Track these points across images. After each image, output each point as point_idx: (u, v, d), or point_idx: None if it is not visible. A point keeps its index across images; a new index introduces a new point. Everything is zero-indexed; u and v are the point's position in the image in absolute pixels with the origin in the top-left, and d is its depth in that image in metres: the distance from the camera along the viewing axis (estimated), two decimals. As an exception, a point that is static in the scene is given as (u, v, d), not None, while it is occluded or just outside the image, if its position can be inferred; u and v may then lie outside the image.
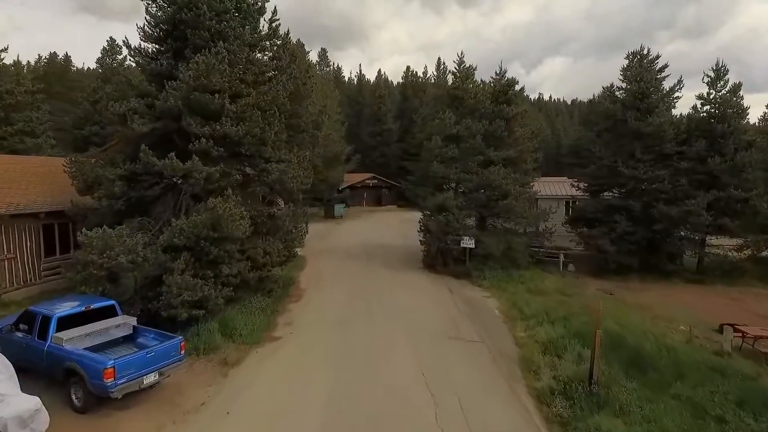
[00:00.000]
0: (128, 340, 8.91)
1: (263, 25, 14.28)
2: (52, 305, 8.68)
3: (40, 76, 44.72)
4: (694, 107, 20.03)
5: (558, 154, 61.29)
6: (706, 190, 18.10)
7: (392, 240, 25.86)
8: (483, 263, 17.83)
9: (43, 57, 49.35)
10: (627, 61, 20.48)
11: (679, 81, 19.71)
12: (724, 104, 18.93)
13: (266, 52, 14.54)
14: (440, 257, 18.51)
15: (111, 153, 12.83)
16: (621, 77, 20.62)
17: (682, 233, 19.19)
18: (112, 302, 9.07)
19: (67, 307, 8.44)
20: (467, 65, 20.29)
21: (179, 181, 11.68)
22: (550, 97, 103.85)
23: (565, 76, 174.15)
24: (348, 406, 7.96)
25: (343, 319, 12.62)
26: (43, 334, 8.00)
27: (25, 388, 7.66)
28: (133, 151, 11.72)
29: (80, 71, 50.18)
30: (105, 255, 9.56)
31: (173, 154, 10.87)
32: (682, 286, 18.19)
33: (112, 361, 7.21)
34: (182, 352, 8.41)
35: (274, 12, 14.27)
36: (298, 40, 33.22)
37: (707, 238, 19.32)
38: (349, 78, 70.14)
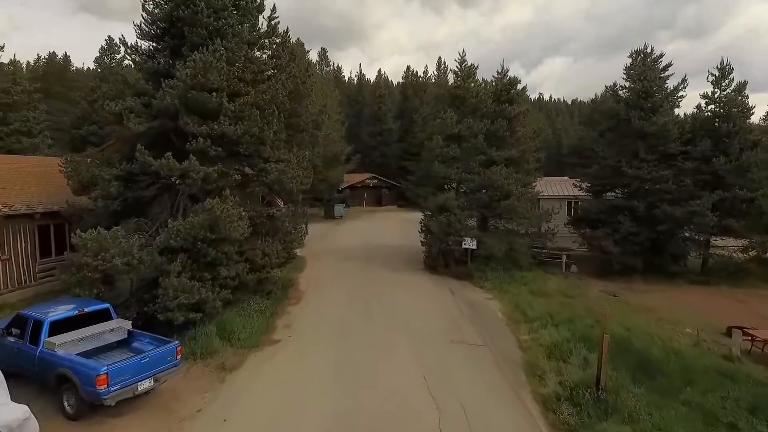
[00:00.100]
0: (123, 344, 8.68)
1: (262, 23, 14.07)
2: (44, 309, 8.47)
3: (39, 76, 44.59)
4: (698, 106, 19.86)
5: (559, 154, 61.09)
6: (710, 191, 17.87)
7: (393, 240, 25.64)
8: (485, 264, 17.62)
9: (42, 57, 49.21)
10: (630, 60, 20.26)
11: (683, 80, 19.55)
12: (729, 103, 18.69)
13: (265, 51, 14.32)
14: (441, 258, 18.28)
15: (108, 153, 12.62)
16: (624, 76, 20.42)
17: (686, 234, 18.96)
18: (107, 306, 8.85)
19: (60, 311, 8.23)
20: (469, 64, 20.11)
21: (177, 182, 11.47)
22: (551, 97, 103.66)
23: (565, 76, 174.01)
24: (348, 412, 7.74)
25: (344, 321, 12.40)
26: (34, 339, 7.78)
27: (16, 395, 7.47)
28: (130, 150, 11.50)
29: (80, 71, 49.99)
30: (99, 257, 9.32)
31: (170, 153, 10.65)
32: (686, 287, 17.96)
33: (105, 368, 6.98)
34: (178, 357, 8.18)
35: (273, 10, 14.06)
36: (298, 39, 33.01)
37: (711, 239, 19.08)
38: (349, 78, 70.02)
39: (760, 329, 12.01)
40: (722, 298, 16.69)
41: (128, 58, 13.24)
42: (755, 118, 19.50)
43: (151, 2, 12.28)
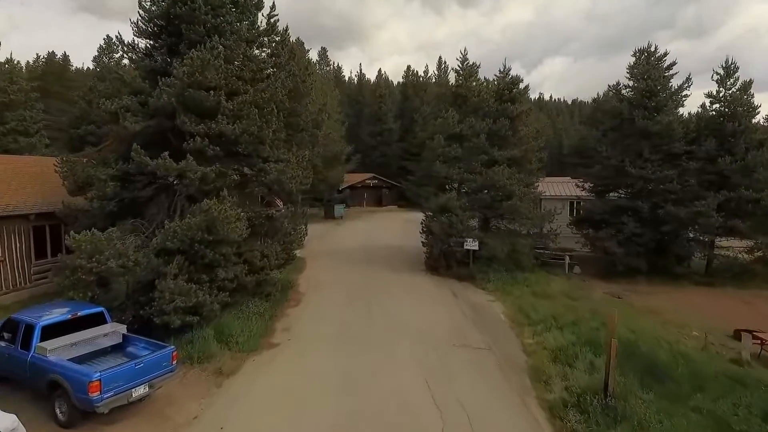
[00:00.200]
0: (117, 349, 8.47)
1: (261, 21, 13.84)
2: (37, 312, 8.24)
3: (39, 76, 44.41)
4: (703, 105, 19.59)
5: (560, 154, 60.85)
6: (716, 191, 17.62)
7: (393, 241, 25.41)
8: (487, 266, 17.39)
9: (42, 56, 48.95)
10: (634, 59, 20.01)
11: (688, 78, 19.28)
12: (734, 102, 18.44)
13: (264, 49, 14.10)
14: (443, 259, 18.05)
15: (105, 152, 12.40)
16: (628, 75, 20.16)
17: (690, 235, 18.72)
18: (101, 309, 8.63)
19: (52, 315, 8.00)
20: (471, 63, 19.87)
21: (174, 182, 11.26)
22: (551, 96, 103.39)
23: (565, 76, 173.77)
24: (349, 420, 7.52)
25: (344, 324, 12.18)
26: (26, 344, 7.56)
27: (8, 401, 7.27)
28: (127, 150, 11.26)
29: (79, 71, 49.71)
30: (94, 259, 9.10)
31: (166, 153, 10.43)
32: (691, 288, 17.73)
33: (98, 374, 6.76)
34: (174, 362, 7.96)
35: (273, 7, 13.82)
36: (298, 38, 32.77)
37: (716, 240, 18.84)
38: (349, 77, 69.78)
39: (768, 332, 11.78)
40: (728, 299, 16.46)
41: (125, 56, 12.99)
42: (758, 118, 19.13)
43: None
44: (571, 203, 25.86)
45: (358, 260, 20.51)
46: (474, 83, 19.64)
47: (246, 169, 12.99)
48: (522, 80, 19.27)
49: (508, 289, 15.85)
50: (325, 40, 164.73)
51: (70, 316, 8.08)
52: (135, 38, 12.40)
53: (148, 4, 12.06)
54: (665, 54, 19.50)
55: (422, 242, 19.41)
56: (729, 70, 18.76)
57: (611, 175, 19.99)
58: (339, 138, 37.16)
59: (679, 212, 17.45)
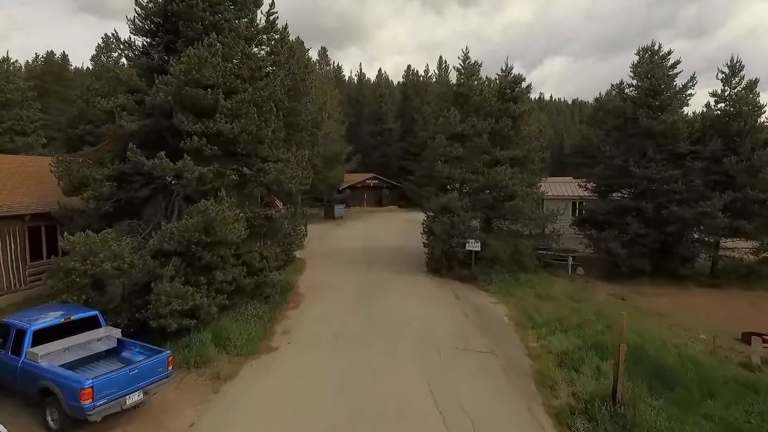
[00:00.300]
0: (112, 353, 8.24)
1: (260, 19, 13.63)
2: (29, 316, 8.02)
3: (37, 75, 44.22)
4: (707, 105, 19.36)
5: (560, 153, 60.63)
6: (721, 191, 17.38)
7: (394, 242, 25.19)
8: (489, 267, 17.17)
9: (41, 56, 48.73)
10: (637, 57, 19.78)
11: (692, 77, 19.04)
12: (740, 101, 18.20)
13: (263, 47, 13.88)
14: (445, 260, 17.82)
15: (102, 152, 12.19)
16: (631, 74, 19.92)
17: (695, 236, 18.47)
18: (95, 313, 8.41)
19: (45, 319, 7.78)
20: (472, 61, 19.63)
21: (172, 182, 11.03)
22: (551, 96, 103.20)
23: (565, 76, 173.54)
24: (350, 425, 7.29)
25: (344, 326, 11.95)
26: (17, 349, 7.35)
27: (1, 407, 7.06)
28: (123, 149, 11.05)
29: (79, 71, 49.50)
30: (88, 261, 8.88)
31: (163, 153, 10.21)
32: (696, 290, 17.49)
33: (90, 381, 6.53)
34: (170, 367, 7.73)
35: (272, 5, 13.60)
36: (297, 37, 32.52)
37: (721, 241, 18.59)
38: (349, 77, 69.52)
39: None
40: (734, 301, 16.22)
41: (122, 54, 12.77)
42: (764, 117, 18.84)
43: (144, -4, 11.84)
44: (573, 203, 25.63)
45: (358, 261, 20.28)
46: (476, 82, 19.41)
47: (245, 169, 12.77)
48: (524, 79, 19.06)
49: (510, 290, 15.62)
50: (325, 40, 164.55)
51: (62, 320, 7.87)
52: (132, 36, 12.19)
53: (145, 1, 11.85)
54: (669, 52, 19.29)
55: (423, 243, 19.18)
56: (734, 68, 18.51)
57: (614, 175, 19.75)
58: (339, 138, 36.93)
59: (684, 213, 17.21)
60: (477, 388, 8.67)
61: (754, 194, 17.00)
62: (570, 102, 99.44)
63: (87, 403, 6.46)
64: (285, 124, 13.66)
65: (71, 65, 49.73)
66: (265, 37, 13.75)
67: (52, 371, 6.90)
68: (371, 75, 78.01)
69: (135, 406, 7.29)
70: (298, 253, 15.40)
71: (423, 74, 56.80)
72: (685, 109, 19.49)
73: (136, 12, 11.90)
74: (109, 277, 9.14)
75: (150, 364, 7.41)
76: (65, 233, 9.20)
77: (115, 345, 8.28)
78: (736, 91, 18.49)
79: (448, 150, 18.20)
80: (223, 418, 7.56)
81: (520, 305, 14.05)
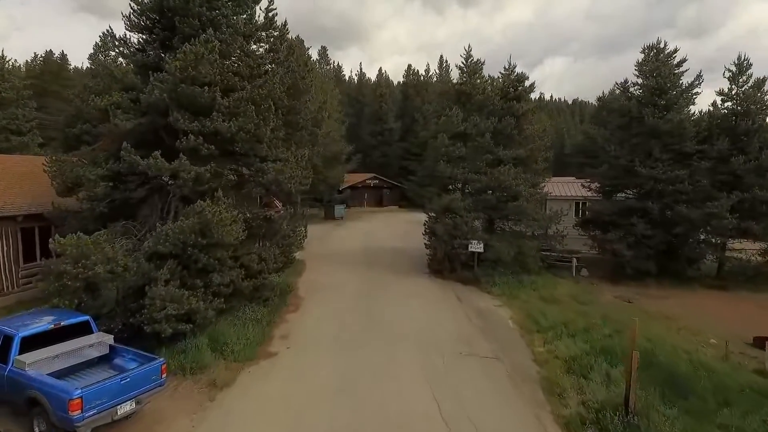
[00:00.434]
0: (104, 360, 7.93)
1: (259, 15, 13.32)
2: (18, 322, 7.71)
3: (37, 75, 43.92)
4: (714, 103, 19.02)
5: (562, 153, 60.28)
6: (728, 191, 17.06)
7: (395, 242, 24.87)
8: (492, 268, 16.87)
9: (39, 55, 48.43)
10: (643, 56, 19.45)
11: (699, 75, 18.73)
12: (747, 100, 17.88)
13: (262, 44, 13.56)
14: (447, 262, 17.50)
15: (97, 151, 11.88)
16: (636, 72, 19.60)
17: (702, 237, 18.15)
18: (87, 318, 8.10)
19: (34, 325, 7.47)
20: (475, 59, 19.32)
21: (170, 182, 10.73)
22: (551, 96, 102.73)
23: (565, 76, 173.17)
24: (351, 439, 6.99)
25: (345, 330, 11.65)
26: (4, 357, 7.02)
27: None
28: (118, 149, 10.72)
29: (79, 71, 49.18)
30: (80, 264, 8.58)
31: (158, 152, 9.90)
32: (703, 292, 17.18)
33: (79, 391, 6.22)
34: (164, 375, 7.42)
35: (271, 1, 13.28)
36: (297, 36, 32.16)
37: (728, 242, 18.26)
38: (349, 77, 69.17)
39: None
40: (742, 303, 15.91)
41: (116, 51, 12.45)
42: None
43: (140, -9, 11.53)
44: (576, 204, 25.33)
45: (359, 262, 19.98)
46: (478, 80, 19.11)
47: (243, 169, 12.47)
48: (527, 77, 18.75)
49: (514, 293, 15.33)
50: (325, 40, 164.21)
51: (52, 325, 7.55)
52: (127, 32, 11.89)
53: (141, -4, 11.54)
54: (675, 50, 18.97)
55: (425, 244, 18.88)
56: (741, 67, 18.20)
57: (619, 175, 19.44)
58: (339, 137, 36.61)
59: (691, 213, 16.90)
60: (482, 396, 8.37)
61: (763, 194, 16.69)
62: (570, 102, 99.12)
63: (75, 414, 6.15)
64: (284, 122, 13.35)
65: (70, 65, 49.46)
66: (263, 34, 13.43)
67: (40, 380, 6.59)
68: (371, 75, 77.70)
69: (127, 417, 6.98)
70: (297, 255, 15.09)
71: (424, 74, 56.50)
72: (691, 108, 19.16)
73: (132, 8, 11.60)
74: (102, 280, 8.84)
75: (143, 373, 7.10)
76: (56, 235, 8.89)
77: (108, 351, 7.97)
78: (743, 89, 18.16)
79: (450, 149, 17.90)
80: (219, 428, 7.26)
81: (525, 308, 13.75)
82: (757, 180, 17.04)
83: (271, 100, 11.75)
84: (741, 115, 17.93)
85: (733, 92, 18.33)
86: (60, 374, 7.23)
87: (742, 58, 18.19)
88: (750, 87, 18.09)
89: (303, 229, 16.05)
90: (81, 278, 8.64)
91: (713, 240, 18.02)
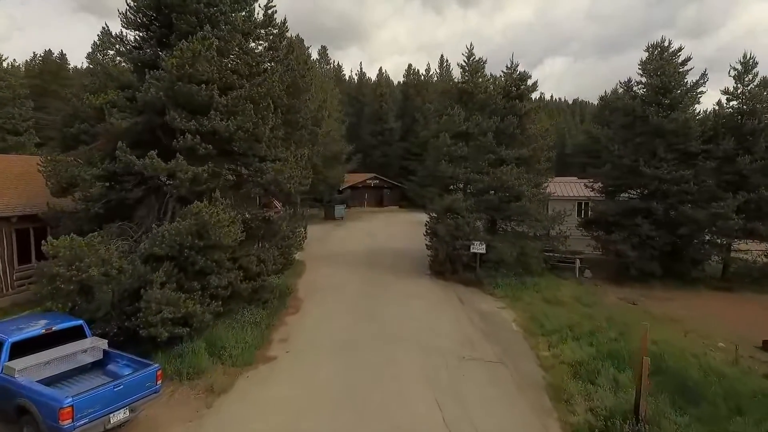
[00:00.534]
0: (98, 366, 7.71)
1: (258, 13, 13.09)
2: (9, 326, 7.48)
3: (36, 75, 43.70)
4: (719, 102, 18.78)
5: (563, 153, 60.00)
6: (734, 191, 16.81)
7: (396, 243, 24.64)
8: (495, 270, 16.65)
9: (39, 55, 48.19)
10: (646, 54, 19.21)
11: (704, 74, 18.46)
12: (753, 99, 17.64)
13: (261, 42, 13.33)
14: (449, 263, 17.27)
15: (94, 151, 11.66)
16: (640, 71, 19.35)
17: (707, 237, 17.90)
18: (80, 322, 7.87)
19: (25, 330, 7.24)
20: (477, 58, 19.08)
21: (167, 182, 10.50)
22: (551, 96, 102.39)
23: (565, 76, 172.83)
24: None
25: (345, 333, 11.42)
26: (-7, 363, 6.80)
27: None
28: (114, 148, 10.52)
29: (78, 70, 48.91)
30: (74, 267, 8.35)
31: (154, 152, 9.68)
32: (708, 294, 16.94)
33: (70, 399, 5.99)
34: (159, 382, 7.19)
35: (270, -2, 13.04)
36: (297, 35, 31.92)
37: (733, 243, 18.01)
38: (349, 76, 68.89)
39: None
40: (749, 305, 15.67)
41: (114, 49, 12.21)
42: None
43: (136, -13, 11.31)
44: (579, 204, 25.08)
45: (359, 263, 19.74)
46: (480, 79, 18.87)
47: (242, 169, 12.24)
48: (530, 76, 18.52)
49: (517, 294, 15.10)
50: (325, 41, 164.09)
51: (44, 330, 7.33)
52: (123, 30, 11.67)
53: (137, -8, 11.32)
54: (680, 49, 18.71)
55: (426, 245, 18.65)
56: (747, 65, 17.94)
57: (623, 175, 19.19)
58: (339, 137, 36.34)
59: (696, 214, 16.65)
60: (487, 402, 8.14)
61: (769, 195, 16.43)
62: (570, 102, 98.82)
63: (66, 423, 5.93)
64: (283, 122, 13.12)
65: (69, 64, 49.18)
66: (263, 31, 13.19)
67: (29, 387, 6.36)
68: (372, 74, 77.33)
69: (120, 425, 6.75)
70: (297, 256, 14.86)
71: (424, 73, 56.21)
72: (696, 107, 18.90)
73: (128, 4, 11.38)
74: (97, 283, 8.60)
75: (137, 379, 6.88)
76: (48, 237, 8.66)
77: (101, 357, 7.75)
78: (749, 88, 17.91)
79: (452, 149, 17.67)
80: (216, 437, 7.03)
81: (528, 310, 13.53)
82: (763, 180, 16.79)
83: (270, 98, 11.53)
84: (747, 114, 17.69)
85: (739, 91, 18.09)
86: (51, 381, 7.03)
87: (748, 57, 17.93)
88: (756, 86, 17.85)
89: (303, 229, 15.83)
90: (75, 281, 8.41)
91: (718, 241, 17.78)
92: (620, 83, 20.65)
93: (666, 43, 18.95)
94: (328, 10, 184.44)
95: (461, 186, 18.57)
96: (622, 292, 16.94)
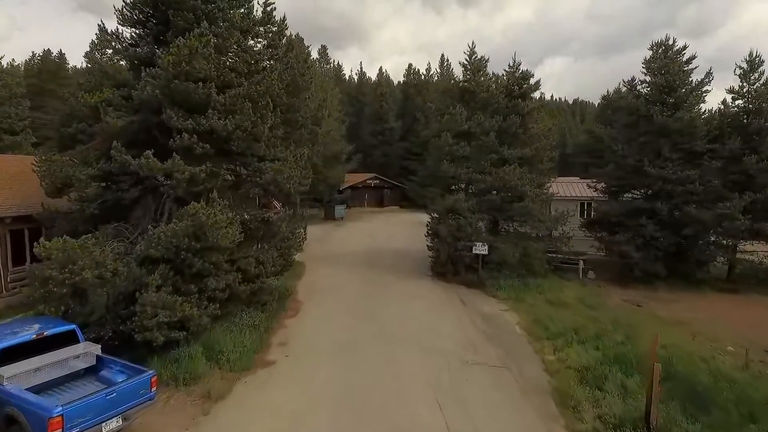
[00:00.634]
0: (91, 372, 7.49)
1: (257, 10, 12.87)
2: (0, 332, 7.25)
3: (35, 74, 43.51)
4: (724, 101, 18.52)
5: (564, 153, 59.75)
6: (740, 192, 16.57)
7: (397, 244, 24.40)
8: (497, 271, 16.41)
9: (37, 54, 47.99)
10: (650, 53, 18.96)
11: (709, 73, 18.20)
12: (759, 98, 17.38)
13: (259, 39, 13.10)
14: (450, 264, 17.04)
15: (90, 151, 11.43)
16: (643, 70, 19.10)
17: (712, 238, 17.66)
18: (73, 327, 7.65)
19: (15, 335, 7.01)
20: (479, 57, 18.85)
21: (165, 182, 10.27)
22: (552, 96, 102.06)
23: (565, 76, 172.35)
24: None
25: (346, 336, 11.19)
26: (-19, 370, 6.57)
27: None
28: (110, 148, 10.29)
29: (77, 70, 48.68)
30: (67, 269, 8.11)
31: (150, 152, 9.45)
32: (713, 295, 16.69)
33: (60, 408, 5.76)
34: (153, 389, 6.97)
35: (269, -6, 12.81)
36: (297, 34, 31.68)
37: (739, 244, 17.76)
38: (349, 76, 68.66)
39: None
40: (755, 307, 15.44)
41: (110, 46, 11.98)
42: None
43: (132, -17, 11.08)
44: (581, 204, 24.85)
45: (360, 264, 19.51)
46: (482, 78, 18.64)
47: (241, 169, 12.01)
48: (533, 75, 18.30)
49: (520, 296, 14.87)
50: (325, 41, 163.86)
51: (35, 336, 7.10)
52: (119, 27, 11.44)
53: (133, -12, 11.09)
54: (684, 47, 18.45)
55: (427, 246, 18.41)
56: (753, 64, 17.69)
57: (626, 175, 18.94)
58: (339, 137, 36.11)
59: (702, 215, 16.41)
60: (492, 408, 7.92)
61: (776, 195, 16.18)
62: (571, 102, 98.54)
63: (56, 433, 5.70)
64: (283, 120, 12.91)
65: (69, 64, 49.00)
66: (261, 29, 12.96)
67: (18, 396, 6.13)
68: (372, 74, 76.94)
69: (113, 434, 6.51)
70: (296, 257, 14.63)
71: (425, 73, 55.97)
72: (702, 106, 18.64)
73: (124, 1, 11.16)
74: (91, 286, 8.37)
75: (130, 387, 6.64)
76: (41, 239, 8.42)
77: (95, 363, 7.52)
78: (755, 87, 17.67)
79: (453, 149, 17.45)
80: (213, 445, 6.81)
81: (532, 312, 13.29)
82: (769, 180, 16.53)
83: (269, 97, 11.31)
84: (753, 113, 17.44)
85: (745, 90, 17.84)
86: (42, 388, 6.81)
87: (754, 55, 17.69)
88: (762, 84, 17.59)
89: (302, 230, 15.61)
90: (67, 284, 8.16)
91: (724, 242, 17.53)
92: (624, 82, 20.37)
93: (670, 42, 18.70)
94: (328, 10, 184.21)
95: (463, 186, 18.35)
96: (626, 293, 16.71)
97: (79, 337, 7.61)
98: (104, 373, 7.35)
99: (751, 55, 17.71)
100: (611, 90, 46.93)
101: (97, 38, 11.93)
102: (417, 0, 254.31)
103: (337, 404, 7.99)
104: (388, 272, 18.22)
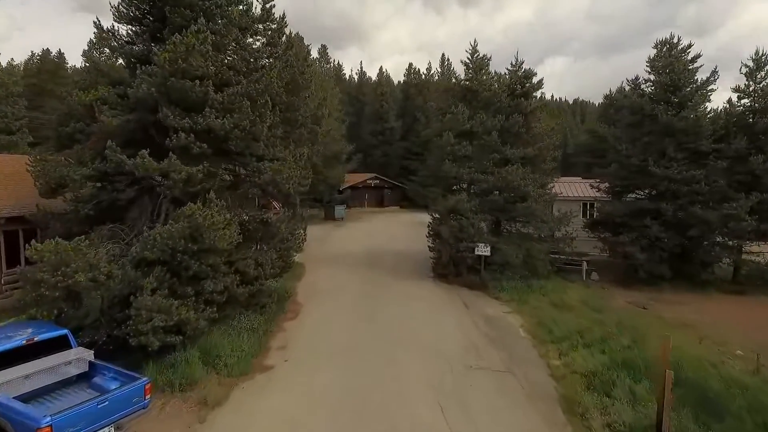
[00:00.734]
0: (83, 378, 7.26)
1: (256, 7, 12.64)
2: (-10, 336, 7.02)
3: (34, 74, 43.30)
4: (729, 101, 18.29)
5: (565, 153, 59.49)
6: (746, 192, 16.33)
7: (397, 244, 24.16)
8: (500, 272, 16.18)
9: (36, 54, 47.76)
10: (655, 51, 18.73)
11: (714, 71, 17.95)
12: (766, 97, 17.14)
13: (258, 37, 12.87)
14: (452, 266, 16.81)
15: (85, 150, 11.20)
16: (647, 68, 18.87)
17: (718, 239, 17.42)
18: (65, 332, 7.43)
19: (5, 341, 6.79)
20: (481, 55, 18.61)
21: (161, 182, 10.04)
22: (552, 96, 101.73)
23: (565, 76, 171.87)
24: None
25: (346, 340, 10.96)
26: (-31, 377, 6.34)
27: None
28: (105, 147, 10.07)
29: (77, 69, 48.42)
30: (59, 272, 7.88)
31: (145, 151, 9.21)
32: (719, 297, 16.45)
33: (48, 418, 5.54)
34: (148, 396, 6.74)
35: (268, -9, 12.58)
36: (297, 33, 31.45)
37: (745, 245, 17.52)
38: (350, 76, 68.43)
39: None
40: (761, 309, 15.19)
41: (105, 43, 11.74)
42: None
43: (128, -20, 10.85)
44: (584, 204, 24.61)
45: (360, 265, 19.28)
46: (485, 77, 18.40)
47: (239, 169, 11.78)
48: (536, 74, 18.05)
49: (523, 298, 14.64)
50: (325, 40, 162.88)
51: (25, 341, 6.87)
52: (115, 24, 11.21)
53: (129, -16, 10.86)
54: (689, 45, 18.22)
55: (429, 246, 18.18)
56: (759, 62, 17.45)
57: (630, 175, 18.70)
58: (339, 137, 35.90)
59: (708, 215, 16.17)
60: (497, 415, 7.69)
61: (782, 195, 15.94)
62: (571, 102, 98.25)
63: (44, 444, 5.47)
64: (282, 119, 12.66)
65: (68, 63, 48.75)
66: (261, 26, 12.74)
67: (5, 404, 5.90)
68: (372, 74, 76.66)
69: (105, 444, 6.29)
70: (296, 257, 14.40)
71: (425, 72, 55.71)
72: (708, 105, 18.40)
73: (120, -3, 10.92)
74: (84, 289, 8.14)
75: (123, 394, 6.42)
76: (32, 241, 8.19)
77: (87, 369, 7.30)
78: (761, 85, 17.43)
79: (455, 148, 17.21)
80: (209, 455, 6.58)
81: (536, 315, 13.06)
82: (776, 180, 16.29)
83: (268, 95, 11.07)
84: (759, 112, 17.21)
85: (751, 89, 17.60)
86: (32, 396, 6.59)
87: (760, 53, 17.44)
88: (768, 83, 17.36)
89: (302, 231, 15.36)
90: (60, 287, 7.94)
91: (729, 243, 17.30)
92: (627, 81, 20.13)
93: (675, 40, 18.47)
94: (328, 10, 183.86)
95: (465, 186, 18.11)
96: (630, 295, 16.47)
97: (72, 343, 7.40)
98: (97, 379, 7.13)
99: (757, 53, 17.48)
100: (612, 89, 46.74)
101: (95, 37, 11.72)
102: (418, 0, 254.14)
103: (338, 411, 7.75)
104: (390, 274, 17.99)
